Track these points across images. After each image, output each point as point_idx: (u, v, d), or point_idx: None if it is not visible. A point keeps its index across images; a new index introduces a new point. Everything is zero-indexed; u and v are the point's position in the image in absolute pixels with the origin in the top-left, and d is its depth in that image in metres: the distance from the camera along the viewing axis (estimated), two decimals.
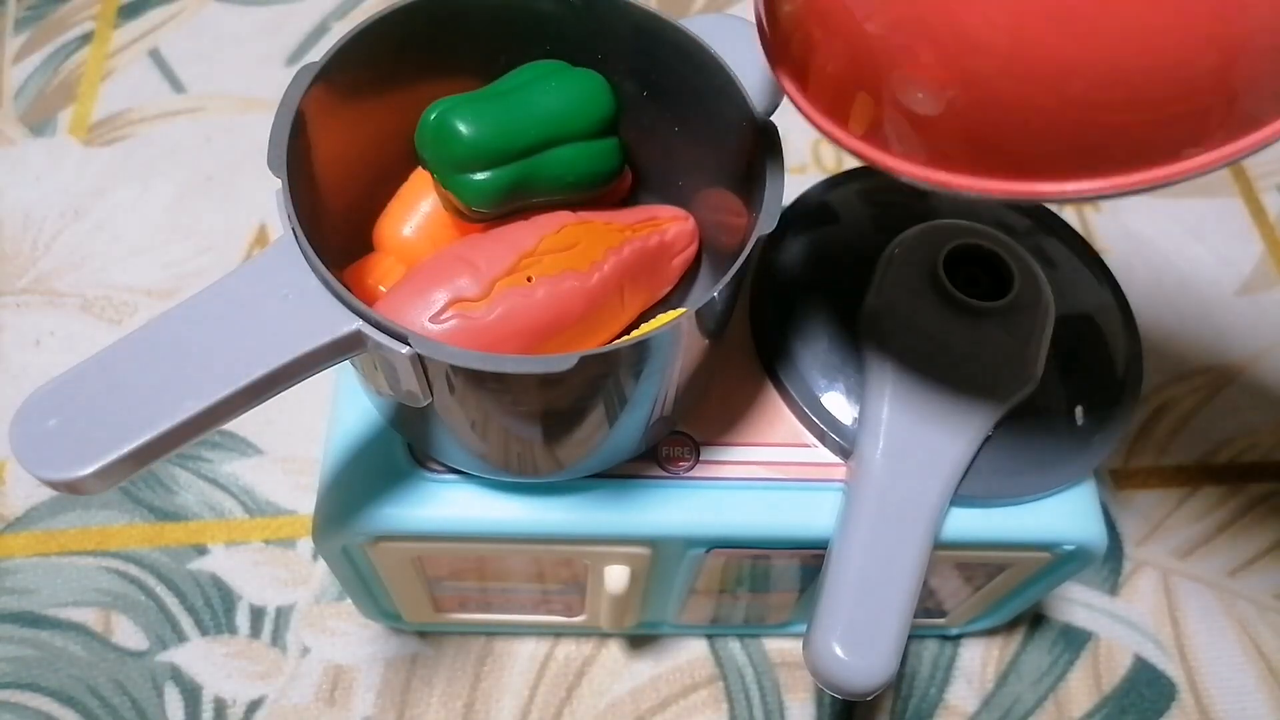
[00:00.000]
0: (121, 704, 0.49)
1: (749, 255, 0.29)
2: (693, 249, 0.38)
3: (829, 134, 0.27)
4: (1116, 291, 0.41)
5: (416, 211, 0.35)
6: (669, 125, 0.36)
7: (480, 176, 0.32)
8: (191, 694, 0.49)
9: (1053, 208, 0.43)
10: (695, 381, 0.35)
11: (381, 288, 0.34)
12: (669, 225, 0.36)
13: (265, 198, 0.66)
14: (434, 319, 0.30)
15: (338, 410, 0.38)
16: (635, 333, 0.36)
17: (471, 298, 0.31)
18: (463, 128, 0.32)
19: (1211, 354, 0.63)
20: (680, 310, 0.35)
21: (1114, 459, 0.58)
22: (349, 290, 0.27)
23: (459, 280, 0.31)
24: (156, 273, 0.62)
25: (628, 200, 0.39)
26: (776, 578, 0.42)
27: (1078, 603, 0.54)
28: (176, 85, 0.71)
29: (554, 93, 0.33)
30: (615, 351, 0.27)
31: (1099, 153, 0.22)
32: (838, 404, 0.37)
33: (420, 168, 0.36)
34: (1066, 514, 0.37)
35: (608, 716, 0.50)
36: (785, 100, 0.37)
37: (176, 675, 0.49)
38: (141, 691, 0.49)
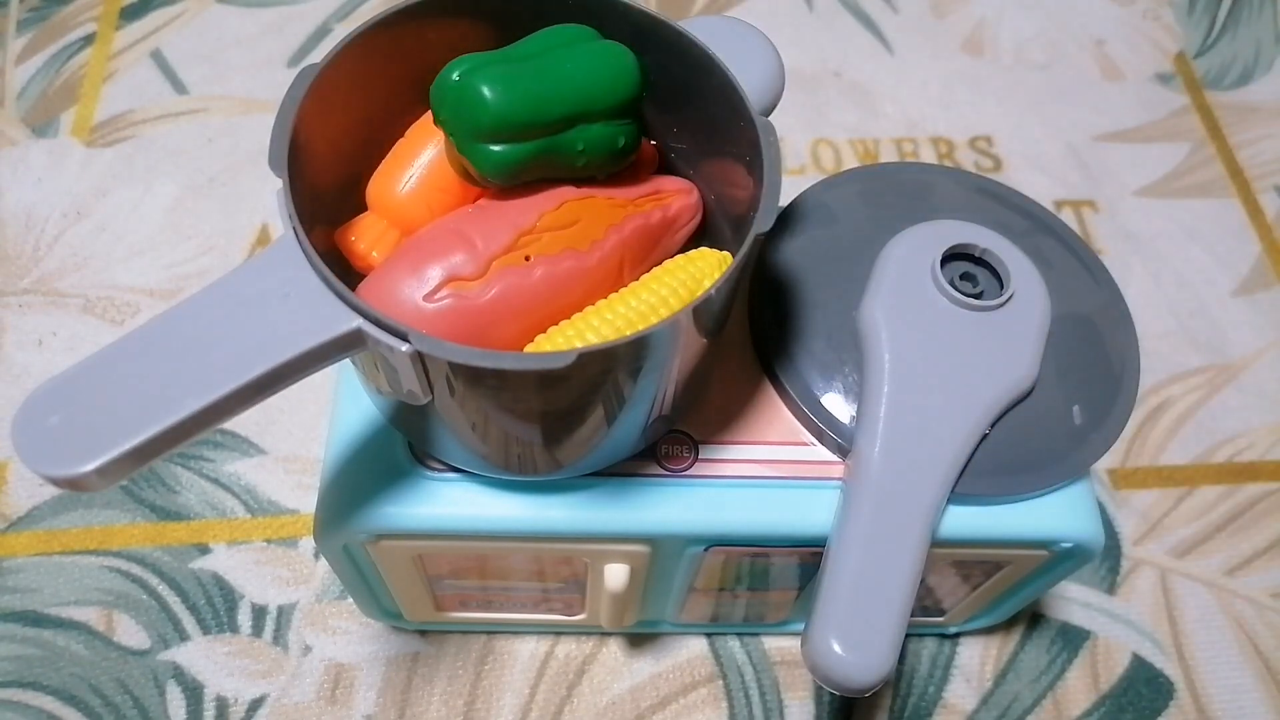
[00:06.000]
0: (123, 703, 0.49)
1: (747, 254, 0.29)
2: (694, 223, 0.37)
3: None
4: (1114, 291, 0.41)
5: (411, 171, 0.34)
6: (668, 126, 0.36)
7: (499, 149, 0.31)
8: (193, 693, 0.49)
9: (1050, 208, 0.43)
10: (694, 380, 0.35)
11: (374, 254, 0.33)
12: (672, 199, 0.35)
13: (267, 198, 0.66)
14: (428, 297, 0.30)
15: (339, 410, 0.38)
16: (658, 270, 0.34)
17: (467, 276, 0.30)
18: (489, 94, 0.30)
19: (1209, 354, 0.63)
20: (724, 253, 0.34)
21: (1112, 458, 0.58)
22: (343, 279, 0.27)
23: (454, 257, 0.30)
24: (158, 273, 0.62)
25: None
26: (775, 576, 0.42)
27: (1076, 601, 0.54)
28: (178, 86, 0.72)
29: (583, 67, 0.32)
30: (614, 349, 0.27)
31: None
32: (836, 403, 0.37)
33: (416, 124, 0.35)
34: (1064, 512, 0.37)
35: (608, 714, 0.50)
36: (783, 101, 0.37)
37: (178, 674, 0.50)
38: (143, 690, 0.49)
